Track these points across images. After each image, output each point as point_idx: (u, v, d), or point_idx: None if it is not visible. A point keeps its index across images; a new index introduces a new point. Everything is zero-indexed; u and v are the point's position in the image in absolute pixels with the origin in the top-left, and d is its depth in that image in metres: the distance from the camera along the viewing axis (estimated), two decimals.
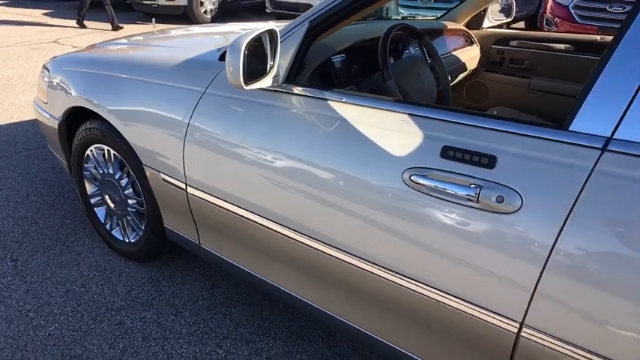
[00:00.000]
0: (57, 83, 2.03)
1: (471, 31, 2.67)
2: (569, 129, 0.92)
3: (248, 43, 1.12)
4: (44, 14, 9.03)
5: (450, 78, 1.94)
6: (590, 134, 0.90)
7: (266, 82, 1.25)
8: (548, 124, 0.95)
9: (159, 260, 2.10)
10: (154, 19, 7.12)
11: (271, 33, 1.23)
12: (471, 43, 2.57)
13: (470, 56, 2.48)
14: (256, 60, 1.23)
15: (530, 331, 0.96)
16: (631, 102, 0.86)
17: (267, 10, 8.02)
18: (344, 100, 1.21)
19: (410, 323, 1.16)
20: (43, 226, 2.34)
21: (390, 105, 1.13)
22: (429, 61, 1.78)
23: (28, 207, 2.51)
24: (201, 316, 1.80)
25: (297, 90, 1.30)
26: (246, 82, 1.16)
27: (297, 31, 1.30)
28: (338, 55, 1.59)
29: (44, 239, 2.24)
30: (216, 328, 1.75)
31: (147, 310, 1.84)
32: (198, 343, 1.69)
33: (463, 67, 2.38)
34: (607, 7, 5.55)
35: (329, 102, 1.22)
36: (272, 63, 1.25)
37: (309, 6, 6.57)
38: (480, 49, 2.56)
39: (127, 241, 2.07)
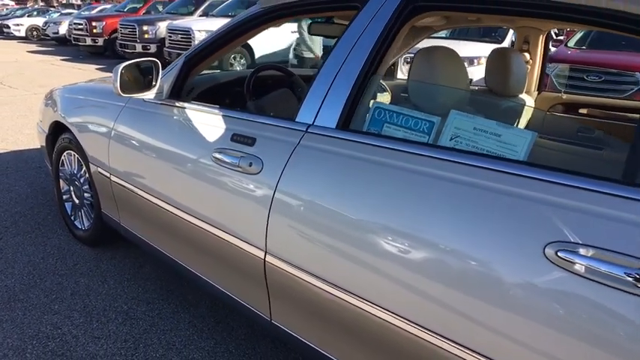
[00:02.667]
0: (48, 105, 2.70)
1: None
2: (296, 120, 1.43)
3: (124, 66, 1.71)
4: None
5: None
6: (302, 122, 1.40)
7: (148, 95, 1.83)
8: (286, 119, 1.46)
9: (106, 246, 2.63)
10: None
11: (155, 63, 1.82)
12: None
13: None
14: (146, 80, 1.82)
15: (271, 257, 1.42)
16: (348, 100, 1.35)
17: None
18: (199, 108, 1.75)
19: (209, 258, 1.63)
20: (29, 218, 2.96)
21: (216, 109, 1.67)
22: (299, 91, 2.28)
23: (23, 205, 3.14)
24: (122, 284, 2.30)
25: (176, 103, 1.86)
26: (121, 93, 1.74)
27: (177, 63, 1.89)
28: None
29: (27, 227, 2.84)
30: (129, 293, 2.24)
31: (82, 277, 2.36)
32: (111, 300, 2.18)
33: None
34: (584, 77, 5.98)
35: (187, 109, 1.78)
36: (155, 83, 1.84)
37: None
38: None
39: (83, 228, 2.64)
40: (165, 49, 9.53)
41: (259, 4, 1.71)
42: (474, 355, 1.00)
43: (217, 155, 1.55)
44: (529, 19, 1.94)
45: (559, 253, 0.89)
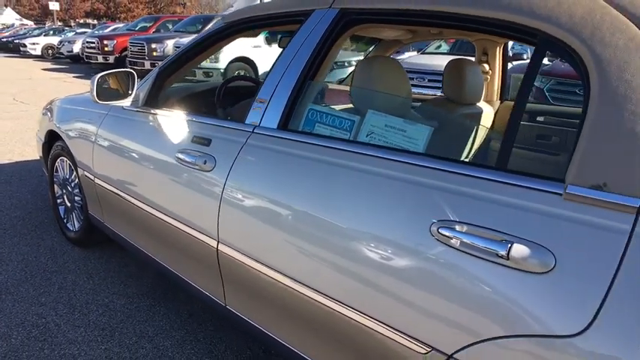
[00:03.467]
0: (45, 115, 2.91)
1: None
2: (245, 122, 1.59)
3: (100, 76, 1.90)
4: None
5: None
6: (250, 124, 1.56)
7: (124, 103, 2.02)
8: (237, 122, 1.62)
9: (95, 247, 2.80)
10: None
11: (131, 73, 2.00)
12: None
13: None
14: (123, 89, 2.00)
15: (223, 246, 1.57)
16: (289, 103, 1.51)
17: None
18: (168, 114, 1.92)
19: (173, 249, 1.78)
20: (27, 222, 3.15)
21: (183, 115, 1.84)
22: None
23: (22, 210, 3.34)
24: (106, 281, 2.47)
25: (151, 110, 2.03)
26: (97, 100, 1.92)
27: (152, 74, 2.07)
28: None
29: (23, 230, 3.03)
30: (112, 288, 2.40)
31: (70, 274, 2.53)
32: (94, 294, 2.34)
33: None
34: (576, 90, 6.09)
35: (158, 115, 1.95)
36: (130, 92, 2.02)
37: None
38: None
39: (74, 230, 2.82)
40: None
41: (222, 19, 1.89)
42: (373, 320, 1.14)
43: (180, 155, 1.72)
44: (450, 30, 2.08)
45: (440, 230, 1.03)
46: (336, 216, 1.22)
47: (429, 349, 1.05)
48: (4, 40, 22.26)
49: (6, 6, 52.49)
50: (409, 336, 1.08)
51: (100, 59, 12.77)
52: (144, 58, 10.64)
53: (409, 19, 1.35)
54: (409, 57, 7.76)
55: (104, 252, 2.77)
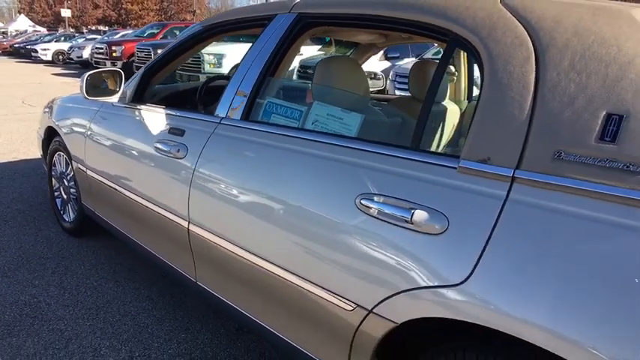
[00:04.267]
0: (46, 113, 3.11)
1: None
2: (215, 114, 1.76)
3: (90, 74, 2.08)
4: None
5: None
6: (218, 116, 1.73)
7: (112, 99, 2.20)
8: (208, 114, 1.79)
9: (89, 236, 2.98)
10: None
11: (119, 72, 2.19)
12: None
13: None
14: (111, 86, 2.19)
15: (193, 226, 1.74)
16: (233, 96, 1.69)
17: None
18: (151, 109, 2.09)
19: (152, 231, 1.95)
20: (27, 214, 3.34)
21: (163, 110, 2.02)
22: None
23: (23, 203, 3.54)
24: (97, 267, 2.64)
25: (137, 106, 2.21)
26: (86, 96, 2.11)
27: (138, 74, 2.25)
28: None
29: (23, 221, 3.22)
30: (101, 273, 2.58)
31: (64, 260, 2.71)
32: (84, 278, 2.52)
33: None
34: None
35: (142, 111, 2.13)
36: (117, 89, 2.20)
37: None
38: None
39: (69, 220, 3.00)
40: (177, 71, 10.08)
41: (200, 23, 2.07)
42: (312, 284, 1.30)
43: (158, 145, 1.89)
44: (387, 32, 2.23)
45: (362, 202, 1.19)
46: (283, 194, 1.39)
47: (354, 306, 1.21)
48: (17, 45, 22.76)
49: (19, 12, 53.45)
50: (340, 296, 1.24)
51: (109, 64, 13.05)
52: None
53: (352, 22, 1.51)
54: (405, 62, 7.93)
55: (97, 241, 2.94)
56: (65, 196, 3.01)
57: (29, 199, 3.63)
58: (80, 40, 19.65)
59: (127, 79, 2.30)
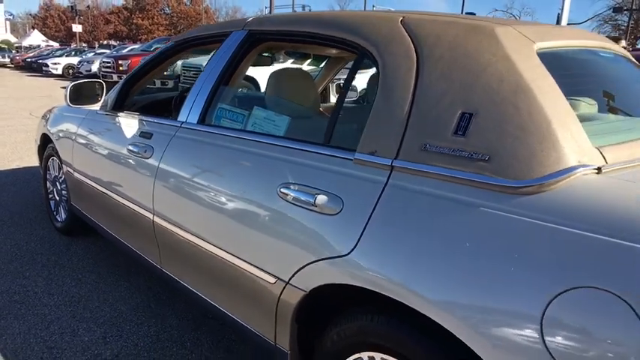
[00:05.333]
0: (42, 122, 3.36)
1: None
2: (177, 119, 1.99)
3: (73, 85, 2.33)
4: None
5: None
6: (180, 120, 1.96)
7: (94, 107, 2.44)
8: (172, 119, 2.02)
9: (79, 236, 3.22)
10: None
11: (100, 83, 2.44)
12: None
13: None
14: (94, 96, 2.44)
15: (157, 218, 1.96)
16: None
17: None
18: (128, 116, 2.33)
19: (124, 224, 2.17)
20: (24, 216, 3.59)
21: (138, 116, 2.25)
22: None
23: (21, 206, 3.79)
24: (83, 262, 2.87)
25: (117, 113, 2.45)
26: (70, 104, 2.35)
27: (118, 84, 2.50)
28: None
29: (20, 221, 3.47)
30: (86, 267, 2.80)
31: (54, 255, 2.94)
32: (70, 271, 2.74)
33: None
34: None
35: (120, 117, 2.37)
36: (100, 98, 2.45)
37: None
38: None
39: (61, 220, 3.24)
40: (179, 84, 10.43)
41: (172, 40, 2.31)
42: (245, 262, 1.51)
43: (130, 147, 2.13)
44: (314, 46, 2.45)
45: (282, 190, 1.41)
46: (224, 186, 1.61)
47: (276, 279, 1.42)
48: (29, 60, 23.39)
49: (33, 28, 54.72)
50: (265, 271, 1.45)
51: (115, 78, 13.45)
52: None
53: (289, 37, 1.75)
54: None
55: (86, 240, 3.18)
56: (58, 198, 3.25)
57: (27, 202, 3.88)
58: (89, 55, 20.18)
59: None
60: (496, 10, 47.77)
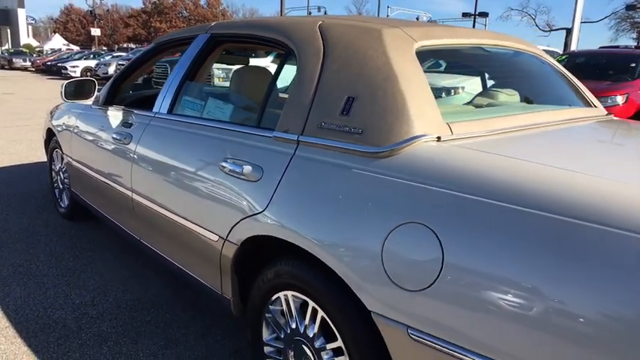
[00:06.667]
0: (48, 117, 3.74)
1: None
2: (152, 110, 2.31)
3: (68, 82, 2.68)
4: None
5: None
6: (154, 111, 2.29)
7: (86, 102, 2.79)
8: (149, 111, 2.35)
9: (80, 220, 3.58)
10: None
11: (93, 81, 2.78)
12: None
13: None
14: (87, 92, 2.78)
15: (135, 195, 2.29)
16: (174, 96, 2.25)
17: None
18: (116, 109, 2.67)
19: (111, 203, 2.51)
20: (32, 203, 3.97)
21: (122, 110, 2.59)
22: None
23: (31, 196, 4.18)
24: (81, 240, 3.22)
25: (108, 107, 2.79)
26: (65, 99, 2.70)
27: (109, 82, 2.84)
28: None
29: (29, 209, 3.85)
30: (85, 245, 3.15)
31: (55, 235, 3.30)
32: (69, 248, 3.10)
33: None
34: None
35: (109, 111, 2.71)
36: (92, 94, 2.79)
37: None
38: None
39: (64, 206, 3.61)
40: (152, 79, 11.06)
41: (154, 42, 2.64)
42: (196, 225, 1.82)
43: (114, 135, 2.46)
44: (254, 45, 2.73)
45: (222, 164, 1.72)
46: (183, 163, 1.93)
47: (218, 237, 1.73)
48: (49, 63, 24.19)
49: (55, 32, 56.17)
50: (211, 231, 1.76)
51: (153, 81, 13.93)
52: (166, 79, 11.72)
53: (239, 38, 2.06)
54: None
55: (85, 222, 3.54)
56: (61, 187, 3.62)
57: (36, 192, 4.27)
58: (107, 58, 20.82)
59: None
60: (511, 9, 47.41)
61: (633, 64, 7.61)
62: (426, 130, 1.31)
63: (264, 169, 1.57)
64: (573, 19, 18.05)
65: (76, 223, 3.56)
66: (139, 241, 2.40)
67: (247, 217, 1.58)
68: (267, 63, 9.48)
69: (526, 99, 2.01)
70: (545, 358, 0.94)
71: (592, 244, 0.92)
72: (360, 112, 1.38)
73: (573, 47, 18.52)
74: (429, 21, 44.65)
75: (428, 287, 1.10)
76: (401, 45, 1.49)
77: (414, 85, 1.38)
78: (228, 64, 7.96)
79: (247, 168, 1.60)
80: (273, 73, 1.76)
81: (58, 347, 2.08)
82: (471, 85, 2.55)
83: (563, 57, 8.45)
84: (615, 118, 2.19)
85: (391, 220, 1.19)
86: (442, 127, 1.34)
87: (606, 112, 2.20)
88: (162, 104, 2.25)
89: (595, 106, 2.20)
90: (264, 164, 1.58)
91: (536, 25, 38.77)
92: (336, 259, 1.28)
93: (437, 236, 1.10)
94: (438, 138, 1.31)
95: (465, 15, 33.92)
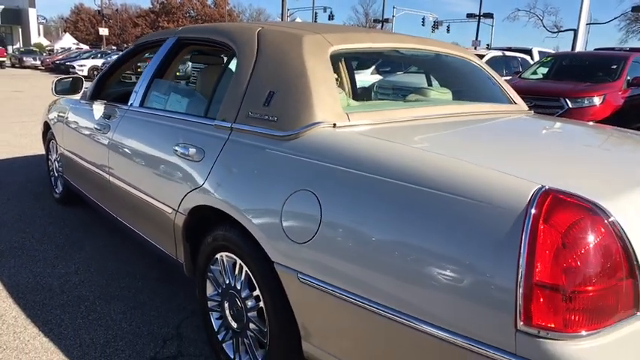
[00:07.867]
0: (45, 111, 4.10)
1: None
2: (128, 103, 2.65)
3: (57, 79, 3.03)
4: None
5: None
6: (129, 104, 2.63)
7: (75, 97, 3.14)
8: (125, 104, 2.69)
9: (74, 205, 3.93)
10: None
11: (80, 78, 3.13)
12: None
13: None
14: (75, 88, 3.13)
15: (112, 177, 2.63)
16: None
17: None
18: (100, 104, 3.01)
19: (95, 186, 2.85)
20: (30, 190, 4.33)
21: (105, 104, 2.93)
22: None
23: (31, 183, 4.55)
24: (73, 222, 3.57)
25: (92, 102, 3.13)
26: (55, 94, 3.05)
27: (95, 79, 3.18)
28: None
29: (28, 194, 4.22)
30: (75, 226, 3.50)
31: (49, 218, 3.66)
32: (61, 228, 3.45)
33: None
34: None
35: (94, 105, 3.05)
36: (79, 91, 3.14)
37: None
38: None
39: (59, 192, 3.96)
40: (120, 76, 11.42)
41: (133, 43, 2.98)
42: (153, 198, 2.16)
43: (95, 125, 2.80)
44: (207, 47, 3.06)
45: (175, 148, 2.05)
46: (147, 148, 2.26)
47: (171, 209, 2.06)
48: (58, 62, 24.74)
49: (65, 31, 56.99)
50: (166, 204, 2.09)
51: (134, 79, 14.36)
52: None
53: (199, 41, 2.39)
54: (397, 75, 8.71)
55: (77, 207, 3.89)
56: (56, 174, 3.98)
57: (35, 181, 4.64)
58: (113, 57, 21.26)
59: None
60: (518, 10, 47.31)
61: (614, 66, 7.84)
62: (324, 118, 1.63)
63: (206, 151, 1.90)
64: (578, 21, 18.16)
65: (69, 208, 3.91)
66: (116, 218, 2.74)
67: (191, 190, 1.91)
68: (368, 75, 9.69)
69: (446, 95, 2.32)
70: (393, 285, 1.26)
71: (430, 206, 1.23)
72: (277, 103, 1.71)
73: (578, 48, 18.68)
74: (434, 22, 44.79)
75: (310, 239, 1.43)
76: (317, 49, 1.81)
77: (321, 82, 1.70)
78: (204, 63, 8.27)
79: (192, 150, 1.93)
80: (221, 70, 2.10)
81: (42, 306, 2.43)
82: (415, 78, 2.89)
83: (548, 58, 8.69)
84: (533, 114, 2.49)
85: (289, 188, 1.51)
86: (341, 115, 1.66)
87: (527, 109, 2.50)
88: (135, 98, 2.59)
89: (516, 103, 2.51)
90: (205, 147, 1.91)
91: (544, 26, 38.76)
92: (249, 222, 1.61)
93: (318, 200, 1.42)
94: (334, 124, 1.63)
95: (469, 16, 34.08)
